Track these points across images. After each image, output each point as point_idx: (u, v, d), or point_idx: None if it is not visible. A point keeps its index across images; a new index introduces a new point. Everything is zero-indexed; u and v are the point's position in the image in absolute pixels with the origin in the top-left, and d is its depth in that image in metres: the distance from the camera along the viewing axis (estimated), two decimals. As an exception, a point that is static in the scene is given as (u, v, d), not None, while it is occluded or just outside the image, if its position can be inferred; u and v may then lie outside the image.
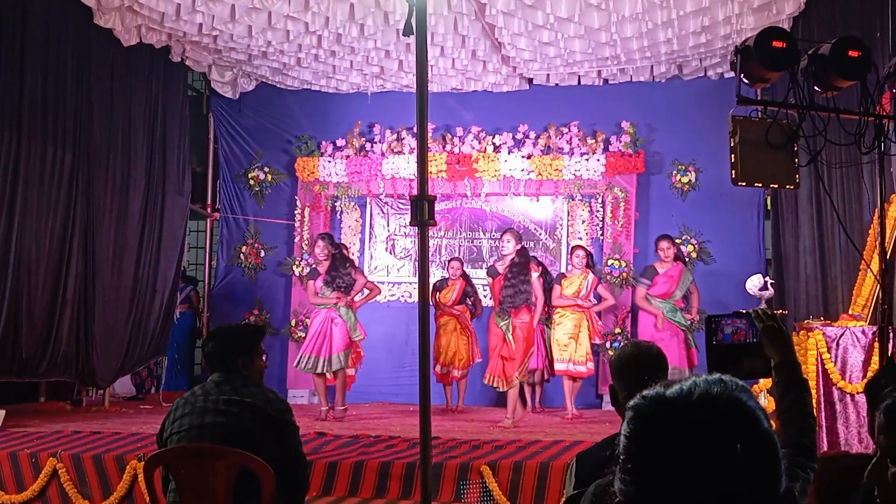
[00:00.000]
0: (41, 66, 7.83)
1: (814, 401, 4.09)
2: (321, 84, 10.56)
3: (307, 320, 9.07)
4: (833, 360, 6.07)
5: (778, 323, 2.30)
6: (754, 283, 8.32)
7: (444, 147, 10.26)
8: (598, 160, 9.94)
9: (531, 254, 9.48)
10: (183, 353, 10.97)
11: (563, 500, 2.88)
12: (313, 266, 8.81)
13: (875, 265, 5.52)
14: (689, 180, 9.96)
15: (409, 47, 9.21)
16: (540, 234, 10.41)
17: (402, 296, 10.45)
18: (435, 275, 9.69)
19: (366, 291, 8.84)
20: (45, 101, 7.92)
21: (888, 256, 5.12)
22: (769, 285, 8.34)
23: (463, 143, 10.27)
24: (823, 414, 5.98)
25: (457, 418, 8.54)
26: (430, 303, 9.02)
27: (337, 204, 10.69)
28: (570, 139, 10.09)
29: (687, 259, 9.38)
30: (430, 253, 8.91)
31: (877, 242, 5.32)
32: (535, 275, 8.18)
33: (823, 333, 6.15)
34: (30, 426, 7.10)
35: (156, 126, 9.51)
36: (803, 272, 8.13)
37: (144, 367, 10.02)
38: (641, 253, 10.00)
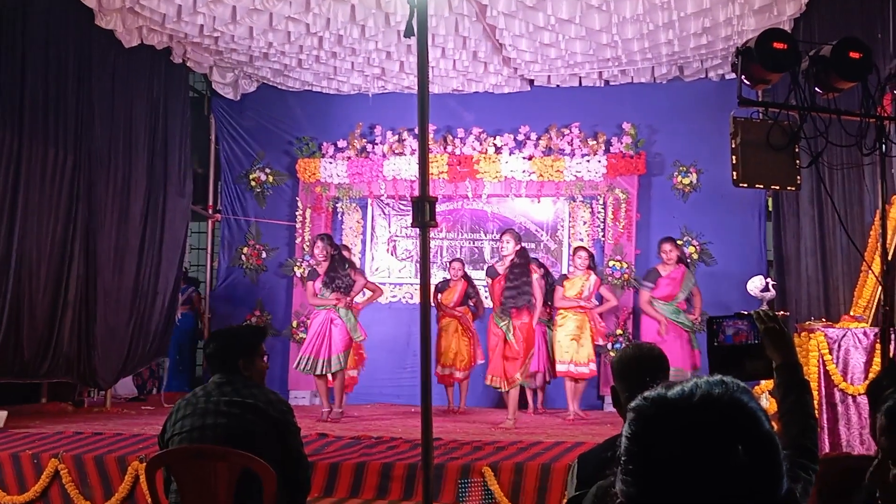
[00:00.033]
0: (42, 68, 7.84)
1: (815, 402, 4.09)
2: (322, 85, 10.57)
3: (308, 321, 9.06)
4: (834, 361, 6.06)
5: (779, 324, 2.31)
6: (755, 285, 8.32)
7: (445, 148, 10.26)
8: (600, 161, 9.94)
9: (532, 255, 9.49)
10: (184, 354, 10.98)
11: (565, 501, 2.89)
12: (312, 267, 8.81)
13: (876, 266, 5.52)
14: (691, 181, 9.96)
15: (410, 48, 9.21)
16: (541, 235, 10.41)
17: (404, 297, 10.45)
18: (436, 276, 9.69)
19: (368, 293, 8.84)
20: (46, 103, 7.93)
21: (889, 258, 5.12)
22: (770, 287, 8.34)
23: (464, 145, 10.27)
24: (825, 415, 5.97)
25: (458, 419, 8.54)
26: (432, 304, 9.08)
27: (338, 205, 10.70)
28: (572, 140, 10.09)
29: (688, 260, 9.37)
30: (432, 254, 8.94)
31: (878, 244, 5.31)
32: (535, 276, 8.23)
33: (825, 335, 6.15)
34: (31, 427, 7.11)
35: (157, 127, 9.51)
36: (805, 273, 8.13)
37: (146, 368, 10.02)
38: (643, 254, 10.00)
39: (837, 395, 6.03)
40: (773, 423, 1.30)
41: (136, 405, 9.51)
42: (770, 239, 9.61)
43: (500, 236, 8.45)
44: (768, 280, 8.41)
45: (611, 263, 9.89)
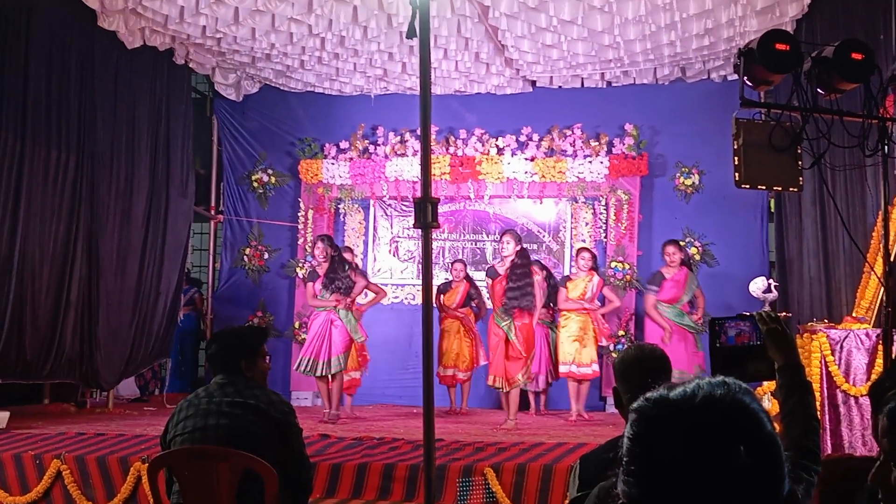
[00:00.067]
0: (45, 69, 7.85)
1: (817, 403, 4.09)
2: (325, 86, 10.57)
3: (308, 323, 9.05)
4: (837, 362, 6.06)
5: (781, 326, 2.30)
6: (758, 286, 8.32)
7: (447, 149, 10.27)
8: (602, 162, 9.94)
9: (534, 256, 9.50)
10: (187, 355, 10.99)
11: (567, 502, 2.88)
12: (312, 268, 8.80)
13: (879, 268, 5.52)
14: (693, 183, 9.96)
15: (412, 50, 9.22)
16: (543, 236, 10.41)
17: (406, 298, 10.45)
18: (438, 277, 9.69)
19: (371, 295, 8.83)
20: (49, 104, 7.94)
21: (892, 259, 5.11)
22: (773, 288, 8.34)
23: (466, 146, 10.27)
24: (827, 416, 5.97)
25: (460, 420, 8.54)
26: (434, 306, 9.08)
27: (340, 206, 10.71)
28: (574, 141, 10.09)
29: (690, 262, 9.36)
30: (434, 255, 8.95)
31: (880, 245, 5.31)
32: (537, 278, 8.25)
33: (827, 336, 6.14)
34: (34, 428, 7.11)
35: (159, 128, 9.52)
36: (807, 275, 8.12)
37: (148, 368, 10.03)
38: (645, 255, 10.00)
39: (840, 396, 6.03)
40: (775, 425, 1.30)
41: (138, 406, 9.51)
42: (772, 240, 9.60)
43: (501, 237, 8.45)
44: (770, 281, 8.41)
45: (613, 264, 9.89)
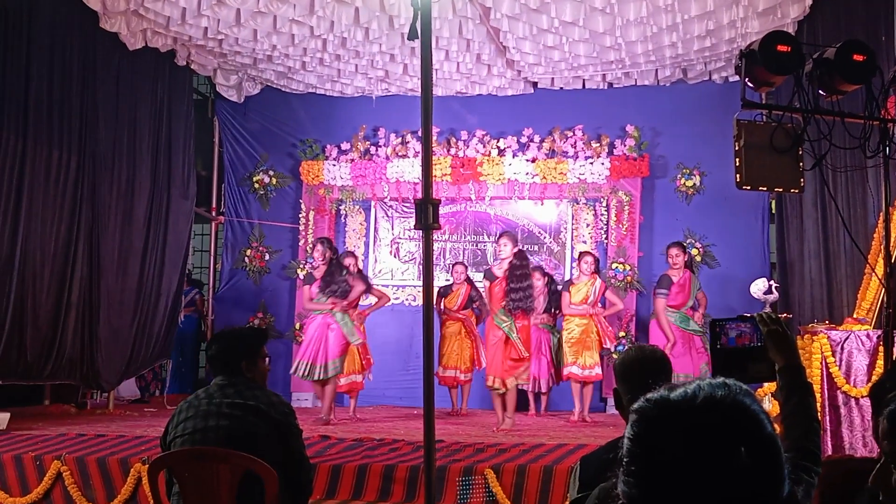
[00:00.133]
0: (47, 70, 7.86)
1: (818, 404, 4.09)
2: (326, 88, 10.58)
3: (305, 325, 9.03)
4: (837, 363, 6.06)
5: (782, 327, 2.30)
6: (759, 287, 8.31)
7: (448, 151, 10.27)
8: (603, 164, 9.94)
9: (535, 258, 9.51)
10: (187, 356, 10.98)
11: (567, 503, 2.88)
12: (309, 271, 8.78)
13: (880, 269, 5.52)
14: (694, 184, 9.96)
15: (413, 51, 9.22)
16: (544, 237, 10.41)
17: (407, 299, 10.45)
18: (439, 278, 9.69)
19: (374, 299, 8.83)
20: (51, 105, 7.95)
21: (893, 260, 5.11)
22: (774, 289, 8.33)
23: (467, 147, 10.27)
24: (828, 418, 5.97)
25: (461, 422, 8.54)
26: (438, 310, 9.08)
27: (341, 207, 10.71)
28: (575, 143, 10.09)
29: (693, 264, 9.34)
30: (435, 256, 8.93)
31: (881, 246, 5.31)
32: (538, 282, 8.35)
33: (828, 337, 6.14)
34: (34, 429, 7.11)
35: (161, 130, 9.53)
36: (808, 276, 8.12)
37: (149, 370, 10.03)
38: (646, 257, 10.00)
39: (840, 397, 6.03)
40: (776, 426, 1.30)
41: (138, 407, 9.51)
42: (773, 241, 9.60)
43: (497, 239, 8.44)
44: (771, 282, 8.40)
45: (614, 266, 9.89)
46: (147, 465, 4.99)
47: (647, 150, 10.03)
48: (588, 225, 10.27)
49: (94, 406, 9.30)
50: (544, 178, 10.03)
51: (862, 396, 5.91)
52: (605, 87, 10.22)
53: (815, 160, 4.95)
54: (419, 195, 3.73)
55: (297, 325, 10.28)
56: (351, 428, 7.72)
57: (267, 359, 3.86)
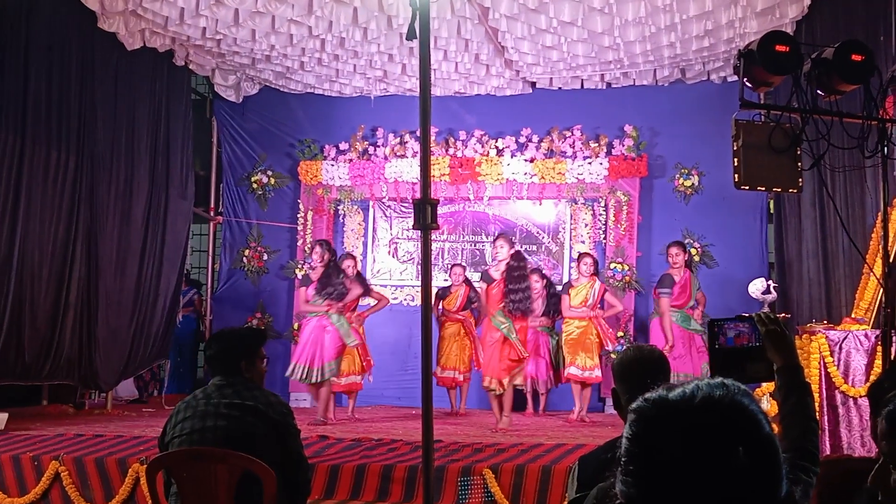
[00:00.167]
0: (45, 70, 7.85)
1: (816, 404, 4.09)
2: (324, 88, 10.57)
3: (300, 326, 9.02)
4: (836, 363, 6.06)
5: (781, 327, 2.30)
6: (757, 287, 8.31)
7: (447, 151, 10.26)
8: (601, 164, 9.94)
9: (534, 258, 9.50)
10: (186, 356, 10.98)
11: (566, 503, 2.88)
12: (306, 273, 8.77)
13: (878, 269, 5.52)
14: (692, 184, 9.96)
15: (412, 51, 9.22)
16: (542, 237, 10.41)
17: (405, 299, 10.45)
18: (437, 278, 9.68)
19: (373, 301, 8.82)
20: (49, 105, 7.94)
21: (891, 260, 5.11)
22: (772, 289, 8.33)
23: (466, 147, 10.27)
24: (826, 418, 5.97)
25: (459, 422, 8.54)
26: (437, 311, 9.07)
27: (340, 207, 10.71)
28: (573, 143, 10.09)
29: (692, 263, 9.35)
30: (433, 256, 8.94)
31: (880, 246, 5.31)
32: (537, 284, 8.39)
33: (826, 337, 6.14)
34: (32, 429, 7.11)
35: (159, 130, 9.53)
36: (806, 276, 8.12)
37: (147, 370, 10.02)
38: (644, 257, 10.00)
39: (838, 397, 6.03)
40: (774, 426, 1.30)
41: (136, 407, 9.51)
42: (772, 241, 9.60)
43: (494, 241, 8.44)
44: (770, 282, 8.40)
45: (612, 266, 9.88)
46: (145, 466, 4.99)
47: (646, 150, 10.03)
48: (586, 225, 10.27)
49: (93, 406, 9.29)
50: (543, 178, 10.02)
51: (860, 396, 5.91)
52: (604, 87, 10.22)
53: (814, 160, 4.95)
54: (417, 195, 3.73)
55: (296, 326, 10.27)
56: (349, 428, 7.72)
57: (265, 360, 3.85)
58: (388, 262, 10.68)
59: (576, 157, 10.03)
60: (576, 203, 10.25)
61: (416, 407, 7.43)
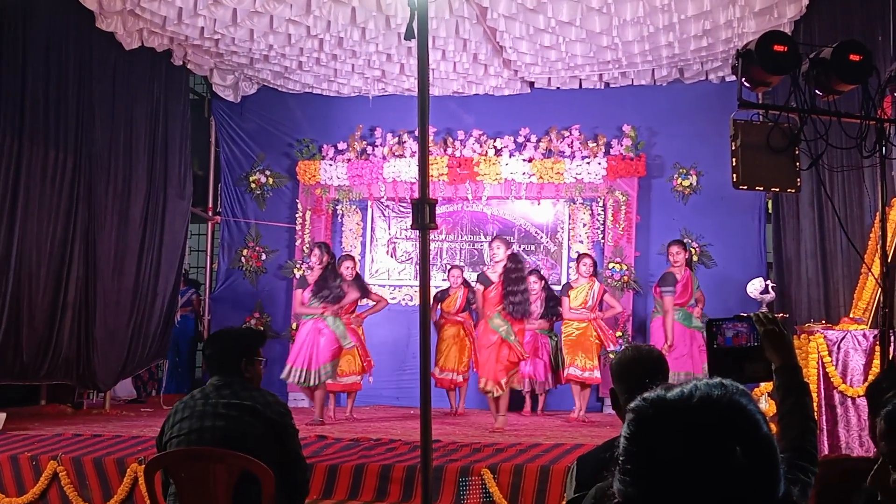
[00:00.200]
0: (43, 70, 7.84)
1: (815, 404, 4.09)
2: (323, 87, 10.57)
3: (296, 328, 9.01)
4: (834, 363, 6.07)
5: (779, 327, 2.30)
6: (755, 287, 8.31)
7: (445, 150, 10.26)
8: (600, 163, 9.94)
9: (532, 258, 9.49)
10: (184, 356, 10.98)
11: (564, 503, 2.88)
12: (303, 276, 8.76)
13: (876, 269, 5.52)
14: (691, 184, 9.96)
15: (410, 51, 9.22)
16: (541, 237, 10.41)
17: (403, 299, 10.44)
18: (435, 278, 9.68)
19: (370, 303, 8.82)
20: (47, 105, 7.93)
21: (889, 260, 5.12)
22: (770, 289, 8.33)
23: (464, 147, 10.27)
24: (824, 417, 5.97)
25: (457, 422, 8.54)
26: (435, 315, 9.06)
27: (338, 207, 10.70)
28: (572, 143, 10.09)
29: (692, 262, 9.34)
30: (432, 256, 8.94)
31: (878, 246, 5.31)
32: (535, 286, 8.44)
33: (824, 337, 6.15)
34: (30, 429, 7.10)
35: (157, 129, 9.52)
36: (804, 276, 8.13)
37: (145, 370, 10.02)
38: (642, 256, 10.00)
39: (837, 397, 6.04)
40: (773, 426, 1.30)
41: (135, 407, 9.50)
42: (770, 241, 9.60)
43: (490, 243, 8.44)
44: (768, 282, 8.41)
45: (610, 266, 9.88)
46: (143, 466, 4.98)
47: (644, 150, 10.04)
48: (585, 225, 10.27)
49: (91, 406, 9.28)
50: (541, 177, 10.02)
51: (858, 396, 5.92)
52: (602, 87, 10.22)
53: (812, 160, 4.95)
54: (416, 195, 3.72)
55: (294, 326, 10.26)
56: (348, 428, 7.72)
57: (263, 362, 3.84)
58: (387, 262, 10.68)
59: (574, 157, 10.03)
60: (574, 203, 10.25)
61: (414, 407, 7.43)
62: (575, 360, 8.69)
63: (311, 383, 8.10)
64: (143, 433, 6.78)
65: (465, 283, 9.32)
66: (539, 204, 10.36)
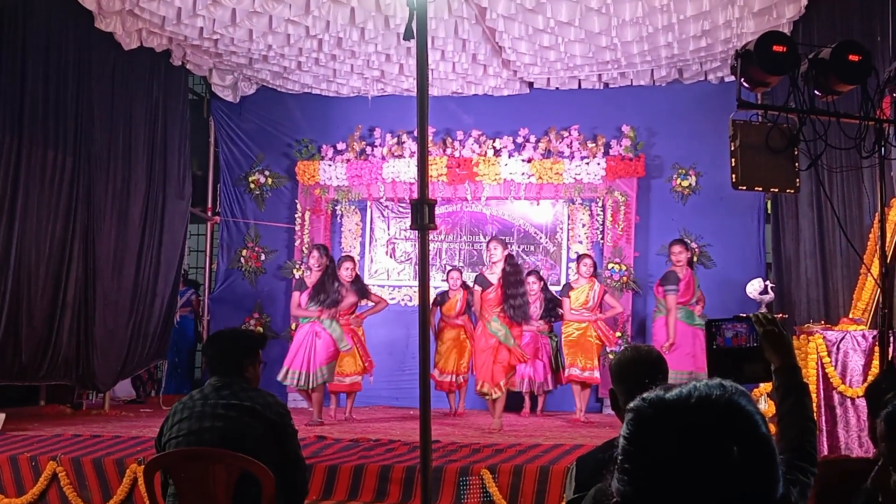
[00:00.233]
0: (42, 70, 7.84)
1: (814, 405, 4.09)
2: (322, 88, 10.57)
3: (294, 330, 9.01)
4: (833, 364, 6.07)
5: (778, 327, 2.30)
6: (755, 287, 8.31)
7: (444, 151, 10.26)
8: (599, 164, 9.94)
9: (531, 258, 9.48)
10: (183, 356, 10.97)
11: (564, 503, 2.88)
12: (301, 278, 8.75)
13: (875, 269, 5.52)
14: (690, 184, 9.96)
15: (409, 51, 9.22)
16: (540, 237, 10.41)
17: (403, 299, 10.44)
18: (435, 278, 9.68)
19: (370, 304, 8.81)
20: (46, 105, 7.93)
21: (888, 260, 5.12)
22: (770, 289, 8.33)
23: (463, 147, 10.27)
24: (824, 418, 5.97)
25: (457, 422, 8.54)
26: (438, 317, 9.06)
27: (337, 207, 10.70)
28: (571, 143, 10.09)
29: (693, 262, 9.34)
30: (431, 256, 8.94)
31: (877, 246, 5.31)
32: (534, 287, 8.47)
33: (824, 337, 6.15)
34: (30, 430, 7.10)
35: (156, 130, 9.52)
36: (804, 276, 8.13)
37: (145, 370, 10.01)
38: (642, 257, 10.01)
39: (836, 397, 6.04)
40: (772, 426, 1.30)
41: (134, 407, 9.50)
42: (769, 241, 9.61)
43: (487, 244, 8.44)
44: (767, 283, 8.41)
45: (609, 266, 9.88)
46: (143, 466, 4.98)
47: (643, 151, 10.04)
48: (584, 225, 10.27)
49: (90, 406, 9.28)
50: (540, 178, 10.02)
51: (858, 397, 5.92)
52: (601, 88, 10.22)
53: (811, 160, 4.96)
54: (415, 195, 3.72)
55: (293, 326, 10.26)
56: (347, 428, 7.72)
57: (262, 364, 3.83)
58: (386, 263, 10.68)
59: (573, 158, 10.03)
60: (573, 203, 10.25)
61: (413, 407, 7.43)
62: (576, 361, 8.70)
63: (309, 386, 8.10)
64: (142, 434, 6.78)
65: (465, 285, 9.29)
66: (538, 204, 10.36)
